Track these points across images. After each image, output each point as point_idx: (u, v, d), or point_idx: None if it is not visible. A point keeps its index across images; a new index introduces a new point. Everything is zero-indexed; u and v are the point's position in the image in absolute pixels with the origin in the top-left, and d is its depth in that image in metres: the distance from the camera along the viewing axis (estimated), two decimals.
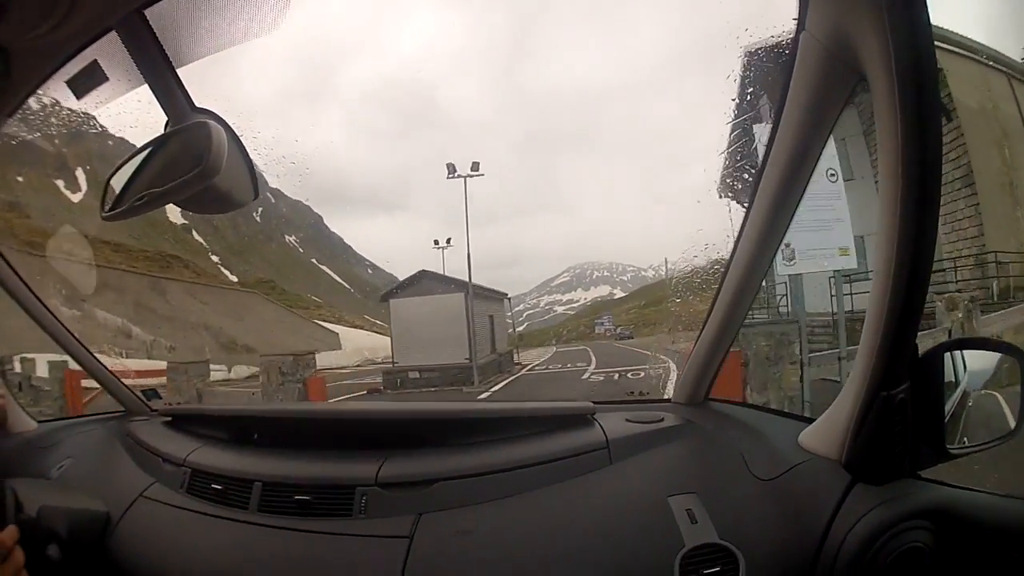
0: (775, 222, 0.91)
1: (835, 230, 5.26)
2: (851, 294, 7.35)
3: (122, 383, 1.60)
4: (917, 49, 0.61)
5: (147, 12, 0.79)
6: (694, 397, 1.20)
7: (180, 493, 1.12)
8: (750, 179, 0.95)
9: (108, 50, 0.87)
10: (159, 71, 0.82)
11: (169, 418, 1.48)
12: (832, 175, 5.25)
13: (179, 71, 0.84)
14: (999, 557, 0.79)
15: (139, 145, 0.86)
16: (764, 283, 1.09)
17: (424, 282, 18.25)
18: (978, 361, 0.89)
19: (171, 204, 0.83)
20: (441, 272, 19.49)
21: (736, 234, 0.98)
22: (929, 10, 0.61)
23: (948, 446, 0.81)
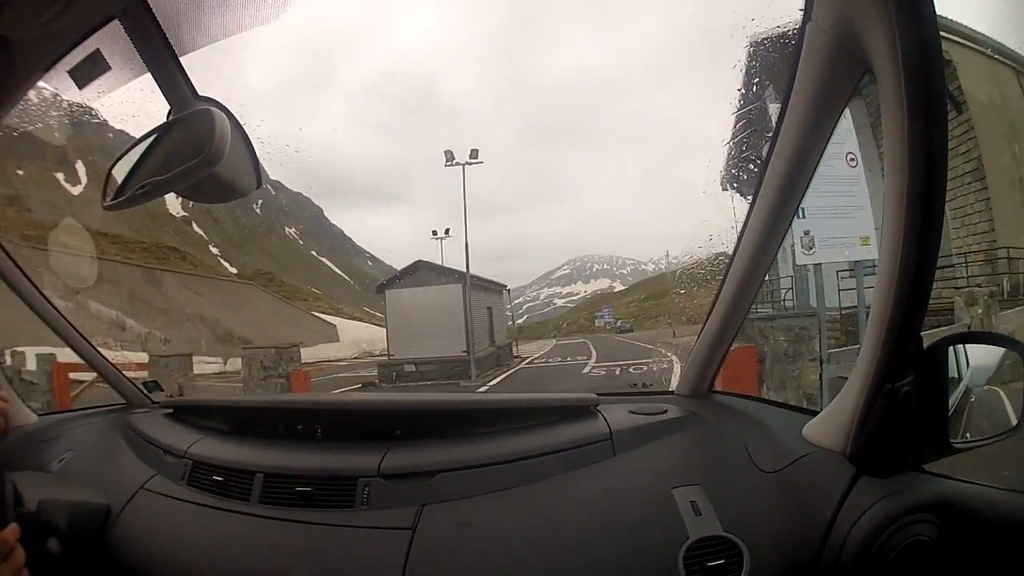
0: (780, 214, 0.92)
1: (856, 218, 5.03)
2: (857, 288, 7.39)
3: (123, 375, 1.61)
4: (923, 40, 0.61)
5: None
6: (698, 389, 1.20)
7: (181, 485, 1.13)
8: (755, 169, 0.95)
9: (110, 39, 0.87)
10: (162, 59, 0.82)
11: (170, 410, 1.48)
12: (852, 160, 5.00)
13: (181, 59, 0.84)
14: (1004, 551, 0.80)
15: (139, 136, 0.87)
16: (767, 277, 1.10)
17: (421, 273, 18.06)
18: (981, 355, 0.90)
19: (173, 193, 0.83)
20: (439, 263, 19.27)
21: (740, 226, 0.98)
22: (935, 1, 0.61)
23: (952, 440, 0.81)
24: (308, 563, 0.91)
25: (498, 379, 14.01)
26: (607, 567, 0.81)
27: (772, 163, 0.88)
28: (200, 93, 0.83)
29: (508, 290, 24.11)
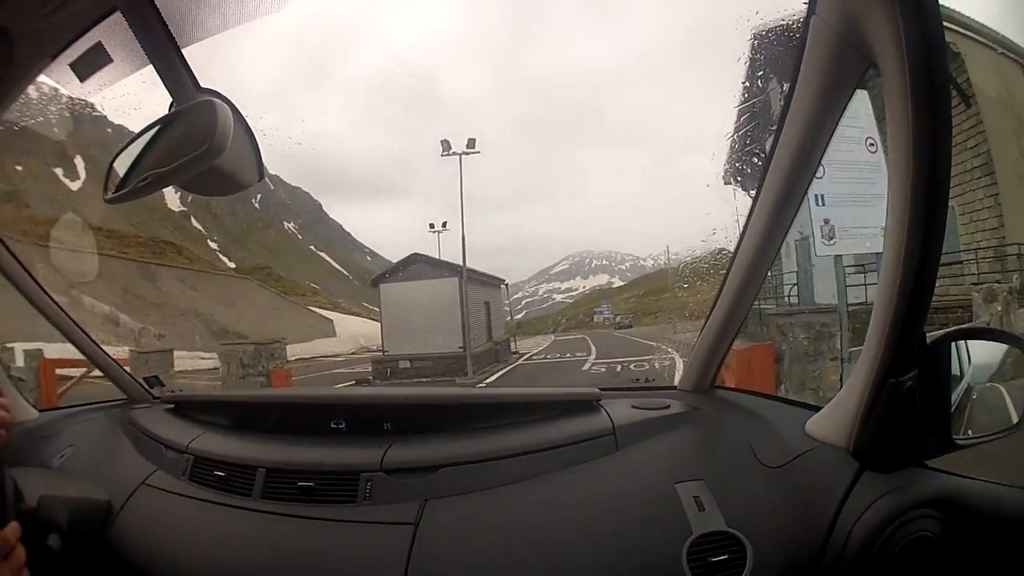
0: (784, 208, 0.92)
1: (877, 206, 4.80)
2: (865, 285, 7.19)
3: (124, 370, 1.61)
4: (927, 35, 0.62)
5: None
6: (700, 384, 1.21)
7: (183, 480, 1.13)
8: (759, 163, 0.96)
9: (112, 31, 0.87)
10: (164, 51, 0.82)
11: (172, 405, 1.48)
12: (872, 145, 4.80)
13: (183, 51, 0.84)
14: (1007, 547, 0.81)
15: (139, 129, 0.87)
16: (770, 272, 1.10)
17: (416, 266, 17.75)
18: (983, 352, 0.91)
19: (175, 185, 0.83)
20: (437, 257, 18.99)
21: (744, 220, 0.99)
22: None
23: (955, 436, 0.82)
24: (311, 558, 0.91)
25: (495, 376, 13.89)
26: (611, 562, 0.81)
27: (776, 158, 0.88)
28: (202, 85, 0.83)
29: (506, 285, 23.79)
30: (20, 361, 8.66)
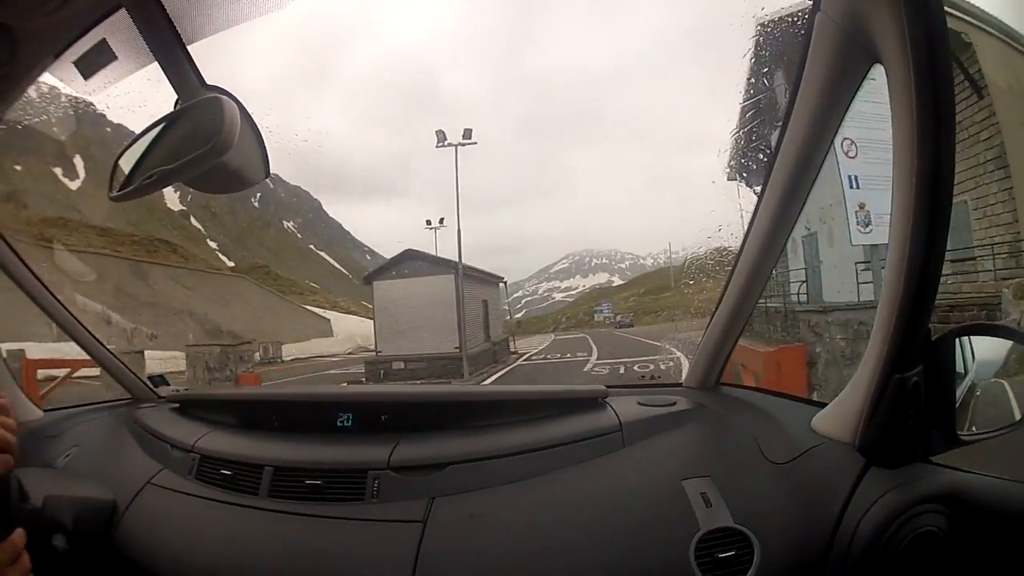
0: (789, 205, 0.94)
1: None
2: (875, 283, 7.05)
3: (129, 370, 1.62)
4: (932, 31, 0.63)
5: None
6: (706, 381, 1.23)
7: (189, 480, 1.14)
8: (764, 159, 0.97)
9: (116, 28, 0.88)
10: (169, 48, 0.82)
11: (177, 404, 1.49)
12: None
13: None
14: (1012, 542, 0.82)
15: (140, 126, 0.87)
16: (775, 270, 1.12)
17: (411, 262, 17.28)
18: (987, 348, 0.92)
19: (181, 183, 0.82)
20: (433, 253, 18.45)
21: (749, 217, 1.00)
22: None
23: (959, 432, 0.83)
24: (319, 556, 0.92)
25: (492, 378, 13.59)
26: (619, 559, 0.83)
27: (781, 154, 0.90)
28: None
29: (505, 282, 23.45)
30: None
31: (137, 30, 0.83)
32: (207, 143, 0.74)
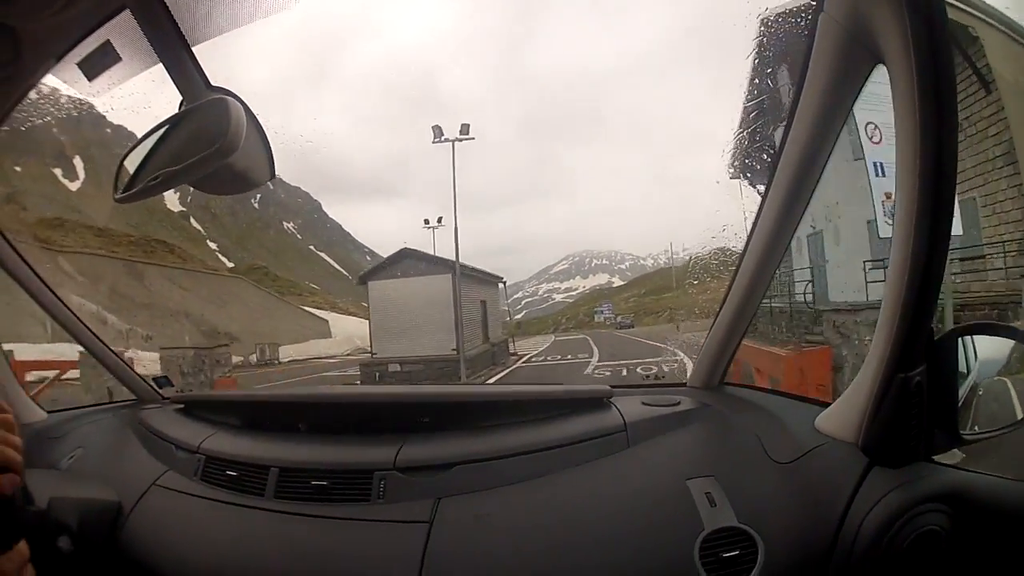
0: (793, 205, 0.95)
1: None
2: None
3: (134, 371, 1.62)
4: (934, 32, 0.64)
5: None
6: (710, 381, 1.24)
7: (194, 481, 1.15)
8: (768, 159, 0.98)
9: (121, 29, 0.88)
10: (174, 49, 0.83)
11: (182, 405, 1.50)
12: None
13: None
14: (1014, 541, 0.83)
15: (142, 128, 0.88)
16: (778, 270, 1.12)
17: (407, 262, 16.98)
18: (990, 347, 0.93)
19: (186, 184, 0.83)
20: (431, 253, 18.07)
21: (752, 217, 1.01)
22: None
23: (961, 431, 0.84)
24: (325, 557, 0.93)
25: (491, 380, 13.25)
26: (624, 558, 0.84)
27: (785, 154, 0.91)
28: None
29: (504, 283, 23.15)
30: None
31: (141, 31, 0.83)
32: (213, 144, 0.75)
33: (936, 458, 0.85)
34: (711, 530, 0.82)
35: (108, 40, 0.92)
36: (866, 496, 0.80)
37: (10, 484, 0.77)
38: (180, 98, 0.86)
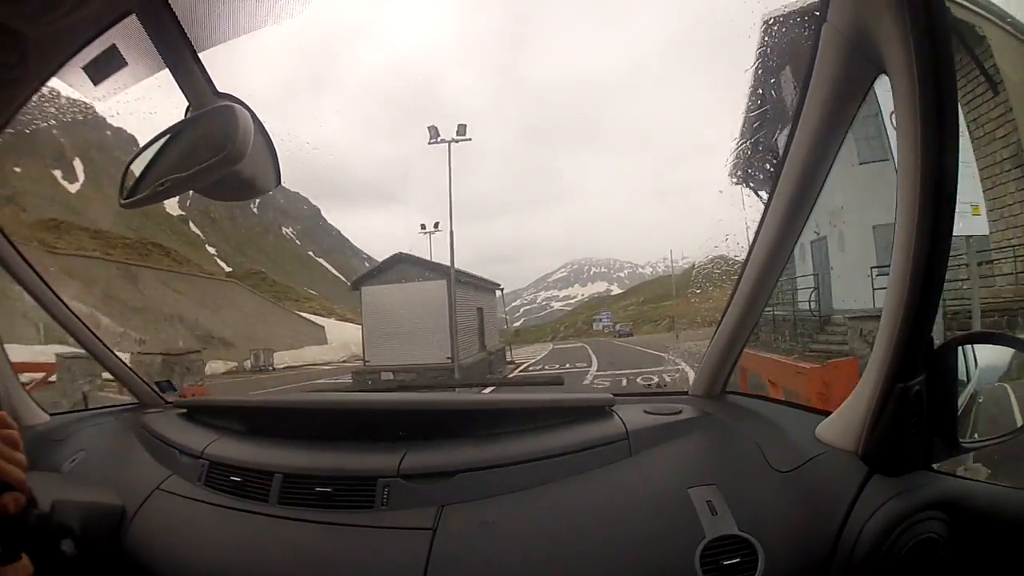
0: (795, 215, 0.96)
1: (961, 178, 4.28)
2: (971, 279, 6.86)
3: (136, 374, 1.63)
4: (936, 43, 0.66)
5: None
6: (711, 390, 1.25)
7: (198, 486, 1.16)
8: (771, 169, 1.00)
9: (127, 34, 0.89)
10: (181, 55, 0.84)
11: (184, 410, 1.51)
12: None
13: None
14: (1011, 549, 0.84)
15: (141, 132, 0.89)
16: (781, 278, 1.13)
17: (401, 267, 16.73)
18: (989, 356, 0.95)
19: (193, 191, 0.84)
20: (427, 258, 17.79)
21: (756, 226, 1.03)
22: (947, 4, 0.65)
23: (961, 440, 0.86)
24: (328, 564, 0.94)
25: (487, 389, 13.28)
26: (626, 566, 0.85)
27: (787, 163, 0.92)
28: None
29: (502, 289, 22.87)
30: None
31: (148, 36, 0.84)
32: (220, 151, 0.75)
33: (935, 466, 0.86)
34: (712, 538, 0.83)
35: (114, 44, 0.92)
36: (865, 504, 0.81)
37: (15, 503, 0.77)
38: (186, 104, 0.86)
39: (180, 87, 0.85)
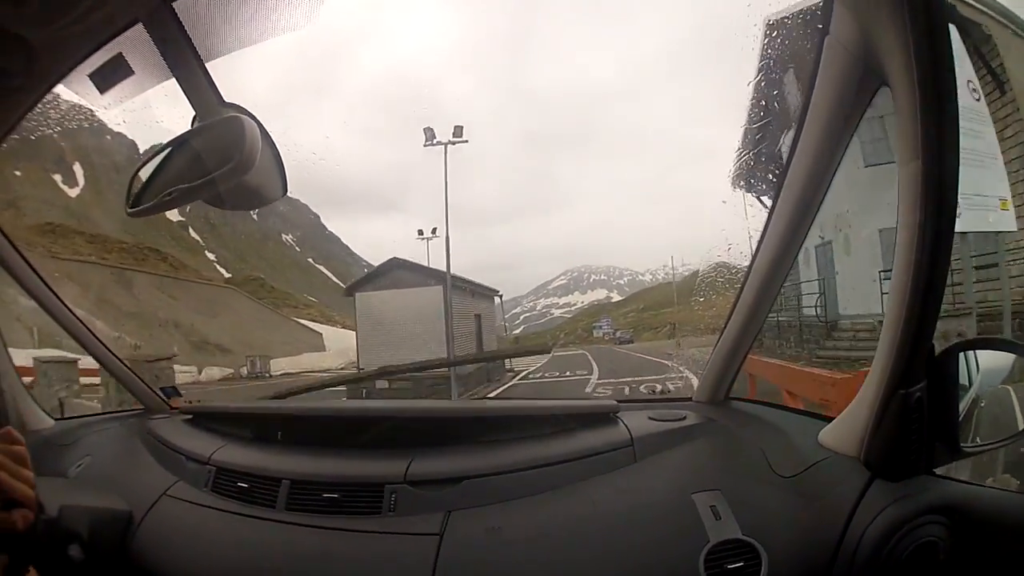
0: (799, 223, 0.98)
1: (989, 169, 3.84)
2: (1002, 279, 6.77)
3: (141, 380, 1.64)
4: (937, 56, 0.67)
5: (175, 5, 0.82)
6: (715, 396, 1.27)
7: (205, 492, 1.17)
8: (773, 178, 1.01)
9: (133, 43, 0.90)
10: (188, 65, 0.85)
11: (190, 416, 1.52)
12: (973, 89, 3.83)
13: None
14: (1011, 552, 0.86)
15: (143, 137, 0.89)
16: (784, 283, 1.15)
17: (397, 272, 16.54)
18: (991, 361, 0.96)
19: (200, 200, 0.85)
20: (425, 264, 17.39)
21: (758, 234, 1.04)
22: (948, 19, 0.67)
23: (962, 444, 0.87)
24: (336, 569, 0.95)
25: (491, 395, 13.15)
26: (631, 571, 0.87)
27: (790, 173, 0.94)
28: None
29: (500, 296, 22.54)
30: None
31: (154, 45, 0.85)
32: (228, 162, 0.77)
33: (937, 471, 0.87)
34: (716, 542, 0.85)
35: (120, 53, 0.93)
36: (867, 509, 0.82)
37: (23, 520, 0.78)
38: (192, 113, 0.87)
39: (186, 96, 0.87)
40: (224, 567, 1.01)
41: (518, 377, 17.19)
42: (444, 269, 15.96)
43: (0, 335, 1.52)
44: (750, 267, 1.08)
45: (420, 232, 20.22)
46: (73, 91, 1.02)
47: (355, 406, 1.46)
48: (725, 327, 1.17)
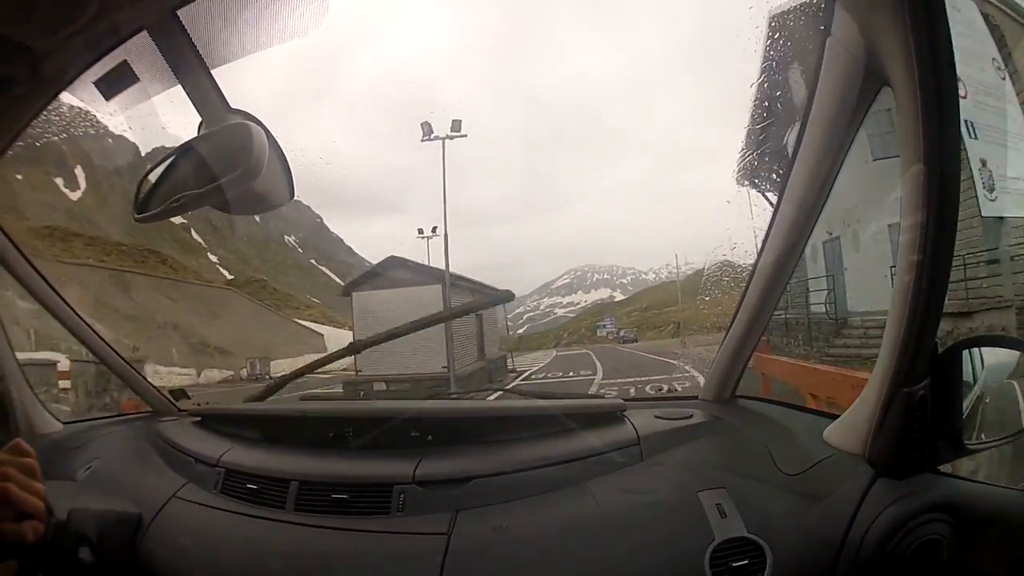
0: (803, 221, 1.00)
1: (1020, 150, 3.67)
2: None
3: (149, 383, 1.66)
4: (938, 57, 0.69)
5: (180, 12, 0.83)
6: (721, 394, 1.28)
7: (214, 494, 1.18)
8: (776, 177, 1.03)
9: (139, 50, 0.91)
10: (193, 72, 0.86)
11: (199, 418, 1.54)
12: (999, 69, 3.77)
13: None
14: (1013, 549, 0.87)
15: (144, 141, 0.90)
16: (791, 280, 1.16)
17: (395, 271, 16.28)
18: (995, 359, 0.97)
19: (208, 206, 0.86)
20: (425, 263, 16.98)
21: (763, 230, 1.06)
22: (948, 20, 0.68)
23: (966, 441, 0.89)
24: (345, 569, 0.96)
25: (494, 396, 12.84)
26: (637, 569, 0.88)
27: (794, 172, 0.96)
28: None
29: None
30: None
31: (159, 53, 0.87)
32: (236, 168, 0.78)
33: (941, 468, 0.89)
34: (721, 540, 0.86)
35: (125, 60, 0.95)
36: (871, 506, 0.84)
37: (33, 532, 0.79)
38: (199, 119, 0.88)
39: (192, 103, 0.88)
40: (234, 569, 1.03)
41: (521, 378, 17.10)
42: (444, 268, 15.74)
43: (6, 338, 1.53)
44: (755, 265, 1.09)
45: (420, 231, 19.77)
46: (78, 98, 1.04)
47: (363, 407, 1.47)
48: (731, 325, 1.19)
